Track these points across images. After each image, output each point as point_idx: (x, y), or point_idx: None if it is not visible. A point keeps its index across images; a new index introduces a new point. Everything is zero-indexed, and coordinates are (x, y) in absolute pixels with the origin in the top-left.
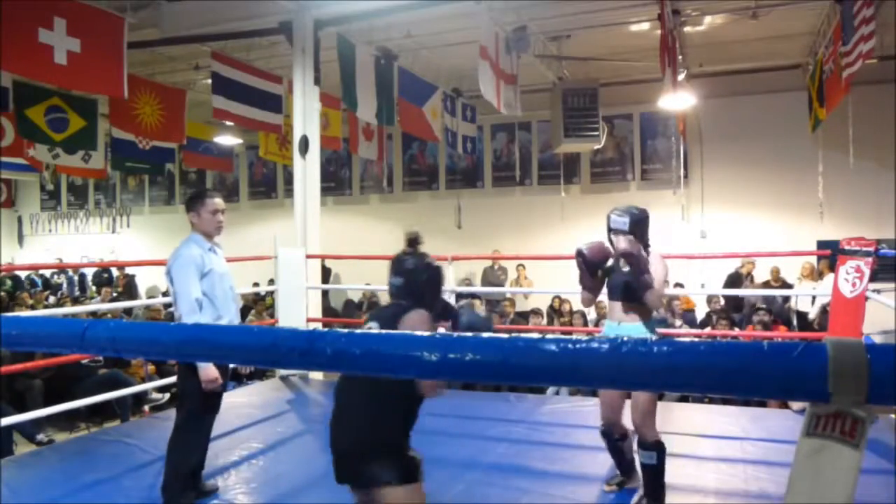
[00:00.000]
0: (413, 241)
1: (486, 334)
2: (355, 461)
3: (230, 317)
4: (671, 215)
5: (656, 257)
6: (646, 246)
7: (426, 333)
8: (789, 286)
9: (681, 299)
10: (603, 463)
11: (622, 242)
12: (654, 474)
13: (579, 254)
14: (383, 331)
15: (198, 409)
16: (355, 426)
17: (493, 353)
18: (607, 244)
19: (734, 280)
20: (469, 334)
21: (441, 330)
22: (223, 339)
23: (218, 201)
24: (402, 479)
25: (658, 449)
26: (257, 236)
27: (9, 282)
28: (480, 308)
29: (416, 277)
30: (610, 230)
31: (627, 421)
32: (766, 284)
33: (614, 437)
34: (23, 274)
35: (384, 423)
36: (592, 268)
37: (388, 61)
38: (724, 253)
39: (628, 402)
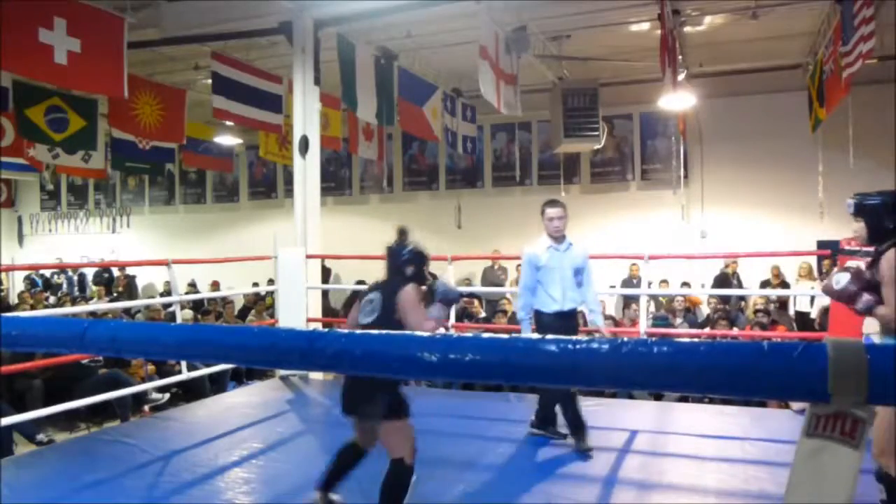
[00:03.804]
0: (402, 233)
1: (485, 335)
2: (357, 397)
3: None
4: (671, 215)
5: None
6: None
7: (425, 334)
8: (787, 286)
9: (685, 299)
10: (603, 463)
11: None
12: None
13: None
14: (374, 321)
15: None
16: None
17: (493, 353)
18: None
19: (722, 280)
20: (469, 333)
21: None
22: (223, 340)
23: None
24: (395, 415)
25: None
26: (257, 236)
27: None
28: (480, 308)
29: (403, 259)
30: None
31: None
32: (766, 284)
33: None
34: (22, 274)
35: None
36: None
37: (388, 61)
38: (724, 253)
39: None
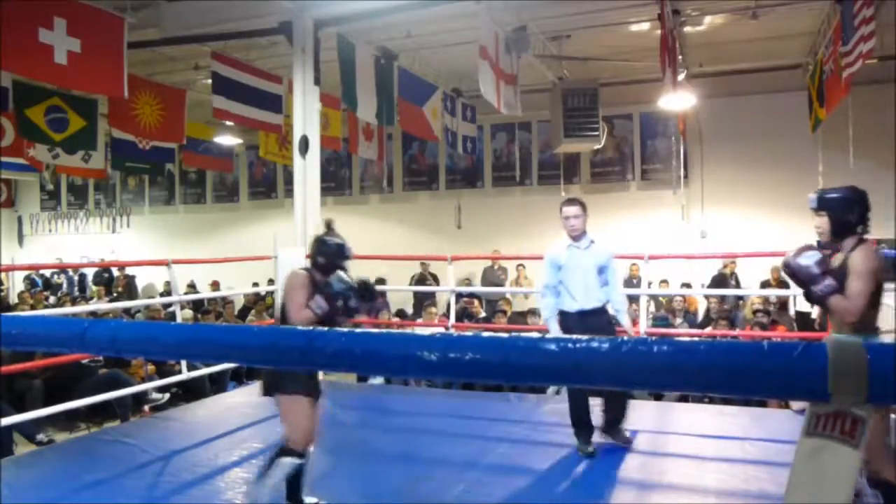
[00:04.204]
0: (327, 226)
1: (485, 334)
2: (265, 374)
3: None
4: (671, 215)
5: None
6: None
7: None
8: (787, 286)
9: (686, 299)
10: (603, 463)
11: None
12: None
13: None
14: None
15: None
16: None
17: (493, 353)
18: None
19: (720, 281)
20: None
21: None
22: (223, 340)
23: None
24: (285, 389)
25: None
26: (257, 236)
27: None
28: (480, 308)
29: (314, 250)
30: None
31: None
32: (766, 284)
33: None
34: (22, 274)
35: None
36: None
37: (388, 61)
38: (724, 253)
39: None
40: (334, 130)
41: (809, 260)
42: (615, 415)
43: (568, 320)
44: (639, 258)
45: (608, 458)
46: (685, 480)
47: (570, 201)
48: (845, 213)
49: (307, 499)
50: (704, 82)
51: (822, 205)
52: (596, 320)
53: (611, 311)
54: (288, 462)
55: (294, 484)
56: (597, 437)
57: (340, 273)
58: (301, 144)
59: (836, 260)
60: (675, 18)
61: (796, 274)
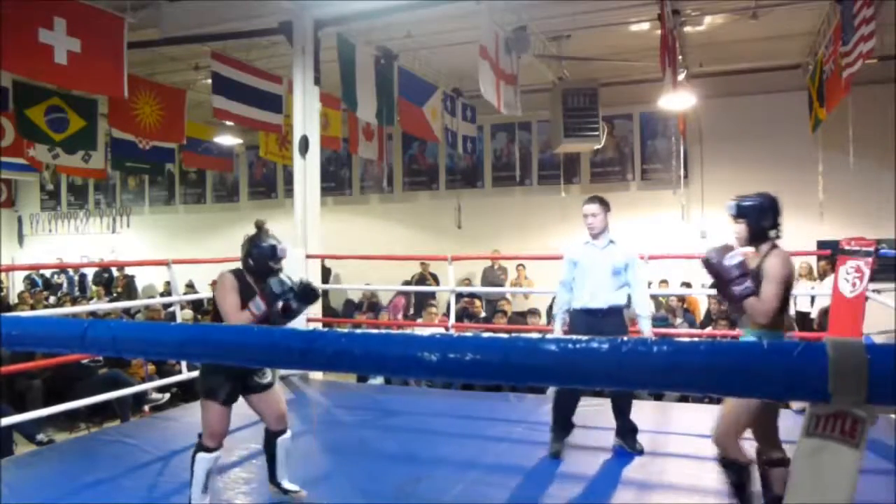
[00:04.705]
0: (258, 227)
1: (485, 335)
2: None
3: None
4: (671, 215)
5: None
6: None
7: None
8: None
9: (686, 299)
10: (603, 463)
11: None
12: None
13: None
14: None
15: None
16: None
17: (493, 353)
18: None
19: None
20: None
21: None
22: (223, 339)
23: None
24: (202, 395)
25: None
26: None
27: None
28: (480, 308)
29: (245, 252)
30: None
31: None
32: None
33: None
34: (22, 274)
35: None
36: None
37: (388, 61)
38: None
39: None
40: (334, 130)
41: (732, 261)
42: (627, 423)
43: (574, 318)
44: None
45: (608, 458)
46: (685, 480)
47: (591, 199)
48: (761, 220)
49: (286, 484)
50: (704, 82)
51: (740, 212)
52: (605, 321)
53: (640, 314)
54: (200, 457)
55: (269, 466)
56: (598, 440)
57: (282, 276)
58: (301, 144)
59: (752, 263)
60: (675, 18)
61: (719, 273)
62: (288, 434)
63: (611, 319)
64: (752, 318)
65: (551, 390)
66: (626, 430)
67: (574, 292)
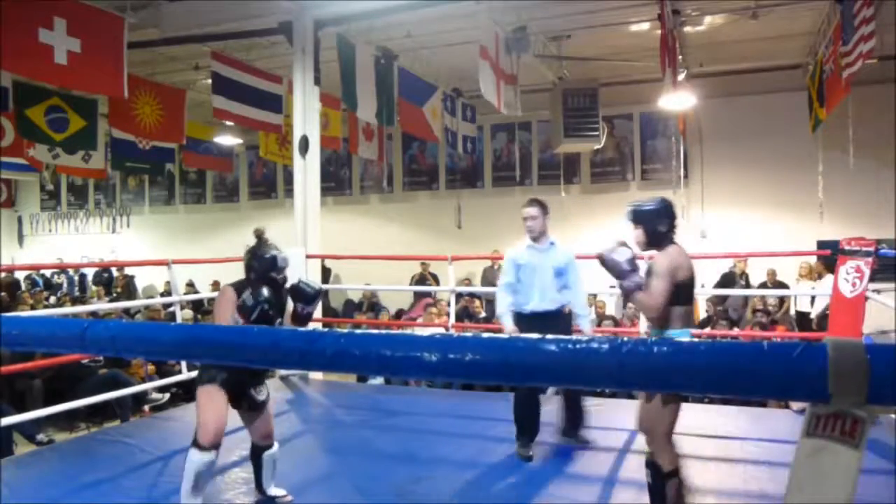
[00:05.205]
0: (258, 237)
1: (485, 335)
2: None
3: None
4: None
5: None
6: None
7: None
8: (785, 286)
9: None
10: (603, 463)
11: None
12: None
13: None
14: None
15: None
16: None
17: (493, 353)
18: None
19: (728, 280)
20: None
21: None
22: (223, 339)
23: None
24: (202, 382)
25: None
26: None
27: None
28: (480, 308)
29: (245, 261)
30: None
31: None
32: (763, 285)
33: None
34: (23, 274)
35: None
36: None
37: (388, 61)
38: (725, 253)
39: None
40: (334, 130)
41: (621, 257)
42: (576, 417)
43: (521, 321)
44: (639, 258)
45: (608, 459)
46: (685, 480)
47: (530, 202)
48: (656, 224)
49: (272, 490)
50: (704, 82)
51: (636, 218)
52: (551, 323)
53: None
54: (194, 456)
55: (256, 475)
56: (598, 440)
57: (262, 289)
58: (301, 144)
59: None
60: (675, 18)
61: (610, 268)
62: (274, 448)
63: (558, 320)
64: (643, 313)
65: (551, 390)
66: (573, 426)
67: (520, 295)
